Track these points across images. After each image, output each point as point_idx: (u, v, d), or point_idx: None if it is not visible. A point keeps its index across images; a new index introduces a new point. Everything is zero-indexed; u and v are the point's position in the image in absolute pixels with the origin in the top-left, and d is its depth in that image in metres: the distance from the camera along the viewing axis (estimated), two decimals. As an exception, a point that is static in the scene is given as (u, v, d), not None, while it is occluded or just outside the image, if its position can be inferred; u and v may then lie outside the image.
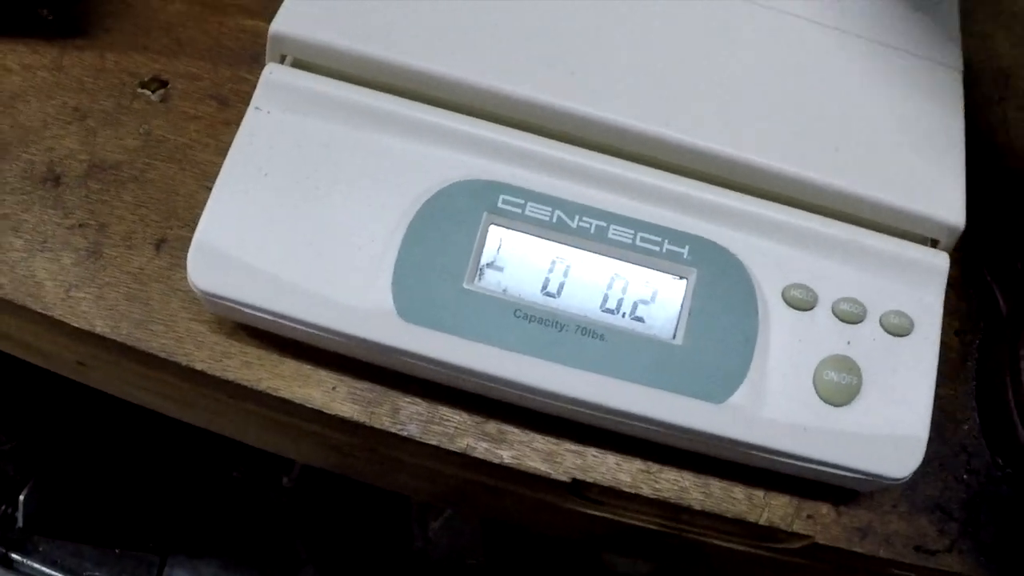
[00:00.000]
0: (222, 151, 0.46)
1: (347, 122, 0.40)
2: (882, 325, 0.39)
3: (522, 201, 0.39)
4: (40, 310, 0.43)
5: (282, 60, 0.42)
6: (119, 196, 0.45)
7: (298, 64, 0.42)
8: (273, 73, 0.41)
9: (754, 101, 0.41)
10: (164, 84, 0.47)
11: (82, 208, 0.45)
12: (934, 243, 0.41)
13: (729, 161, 0.40)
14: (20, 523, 0.67)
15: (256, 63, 0.48)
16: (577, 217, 0.39)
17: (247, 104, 0.47)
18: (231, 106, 0.47)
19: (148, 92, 0.47)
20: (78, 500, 0.73)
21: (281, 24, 0.40)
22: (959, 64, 0.43)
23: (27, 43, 0.48)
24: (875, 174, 0.40)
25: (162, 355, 0.42)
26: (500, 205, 0.39)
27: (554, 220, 0.39)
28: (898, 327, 0.39)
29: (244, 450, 0.79)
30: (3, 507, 0.68)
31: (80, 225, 0.44)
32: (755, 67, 0.42)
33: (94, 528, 0.73)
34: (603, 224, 0.39)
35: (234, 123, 0.46)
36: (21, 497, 0.68)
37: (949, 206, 0.40)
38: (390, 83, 0.41)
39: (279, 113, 0.40)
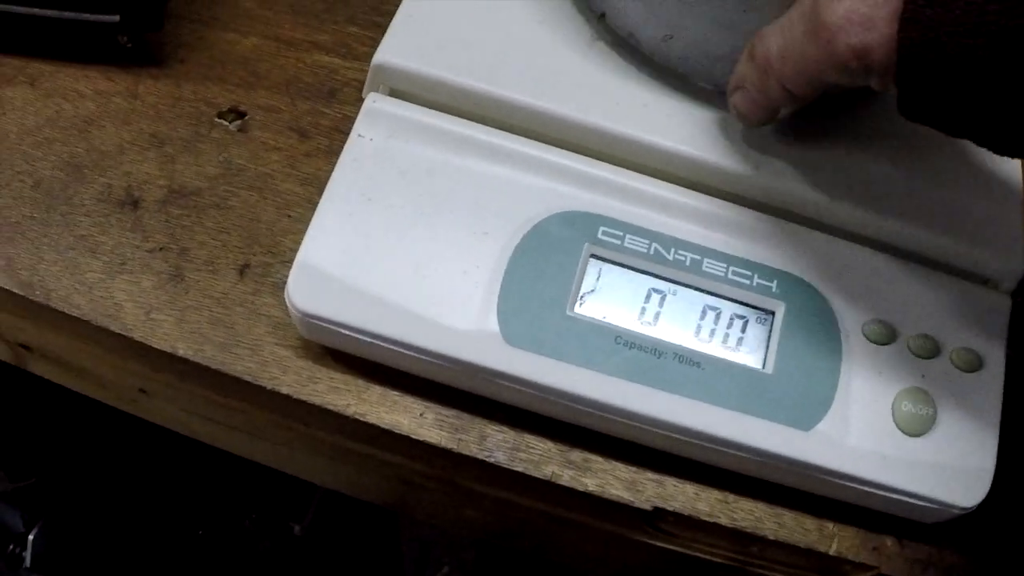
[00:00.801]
0: (303, 181, 0.47)
1: (450, 151, 0.41)
2: (952, 361, 0.42)
3: (621, 233, 0.41)
4: (119, 331, 0.42)
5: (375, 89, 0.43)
6: (200, 222, 0.45)
7: (393, 93, 0.43)
8: (376, 102, 0.42)
9: (838, 151, 0.43)
10: (242, 115, 0.48)
11: (162, 232, 0.45)
12: (996, 285, 0.43)
13: (815, 203, 0.42)
14: (27, 563, 0.65)
15: (333, 98, 0.49)
16: (673, 250, 0.41)
17: (327, 137, 0.48)
18: (311, 138, 0.48)
19: (225, 122, 0.48)
20: (87, 543, 0.70)
21: (385, 55, 0.42)
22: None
23: (100, 69, 0.49)
24: (946, 220, 0.42)
25: (247, 378, 0.42)
26: (600, 236, 0.41)
27: (651, 252, 0.41)
28: (968, 363, 0.42)
29: (258, 497, 0.77)
30: (11, 547, 0.66)
31: (160, 249, 0.44)
32: (840, 120, 0.44)
33: (100, 572, 0.70)
34: (698, 257, 0.41)
35: (315, 155, 0.47)
36: (30, 537, 0.65)
37: (1011, 252, 0.43)
38: (489, 116, 0.42)
39: (382, 140, 0.41)
